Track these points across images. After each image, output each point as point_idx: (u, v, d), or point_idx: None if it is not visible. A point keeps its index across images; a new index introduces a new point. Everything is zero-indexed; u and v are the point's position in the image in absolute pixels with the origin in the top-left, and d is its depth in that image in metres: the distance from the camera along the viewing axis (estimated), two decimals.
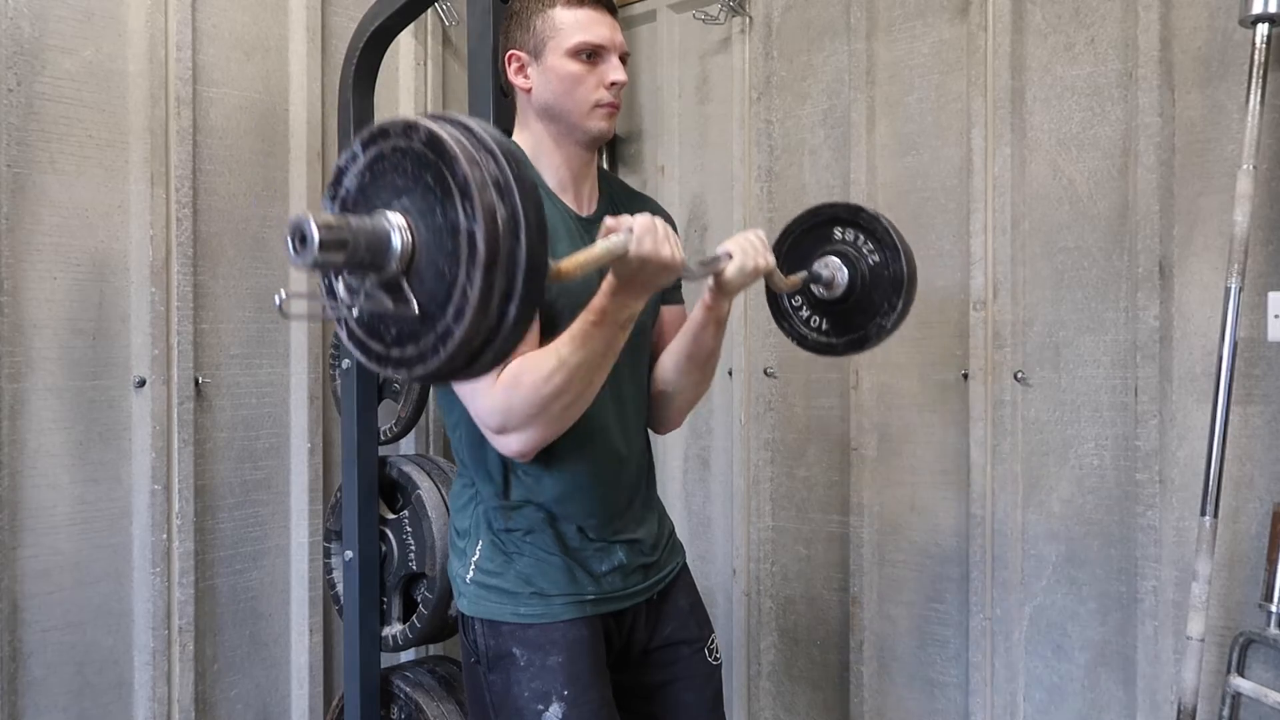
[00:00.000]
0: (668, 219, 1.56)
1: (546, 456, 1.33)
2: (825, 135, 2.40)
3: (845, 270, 1.52)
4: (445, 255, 0.78)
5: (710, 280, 1.34)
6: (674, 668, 1.47)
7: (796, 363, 2.44)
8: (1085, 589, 2.00)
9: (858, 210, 1.54)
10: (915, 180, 2.23)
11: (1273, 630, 1.72)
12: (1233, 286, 1.70)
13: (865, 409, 2.30)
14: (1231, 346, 1.70)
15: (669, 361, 1.47)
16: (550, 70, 1.35)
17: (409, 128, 0.81)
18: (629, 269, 1.11)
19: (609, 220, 1.12)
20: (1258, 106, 1.69)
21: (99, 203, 1.93)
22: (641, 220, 1.11)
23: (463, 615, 1.40)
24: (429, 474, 2.05)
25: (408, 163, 0.81)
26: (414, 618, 2.02)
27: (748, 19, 2.51)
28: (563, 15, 1.34)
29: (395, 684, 2.07)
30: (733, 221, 2.55)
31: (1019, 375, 2.07)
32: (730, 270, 1.31)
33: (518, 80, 1.38)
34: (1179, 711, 1.72)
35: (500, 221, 0.78)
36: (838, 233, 1.56)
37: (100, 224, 1.93)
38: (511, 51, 1.38)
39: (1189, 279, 1.87)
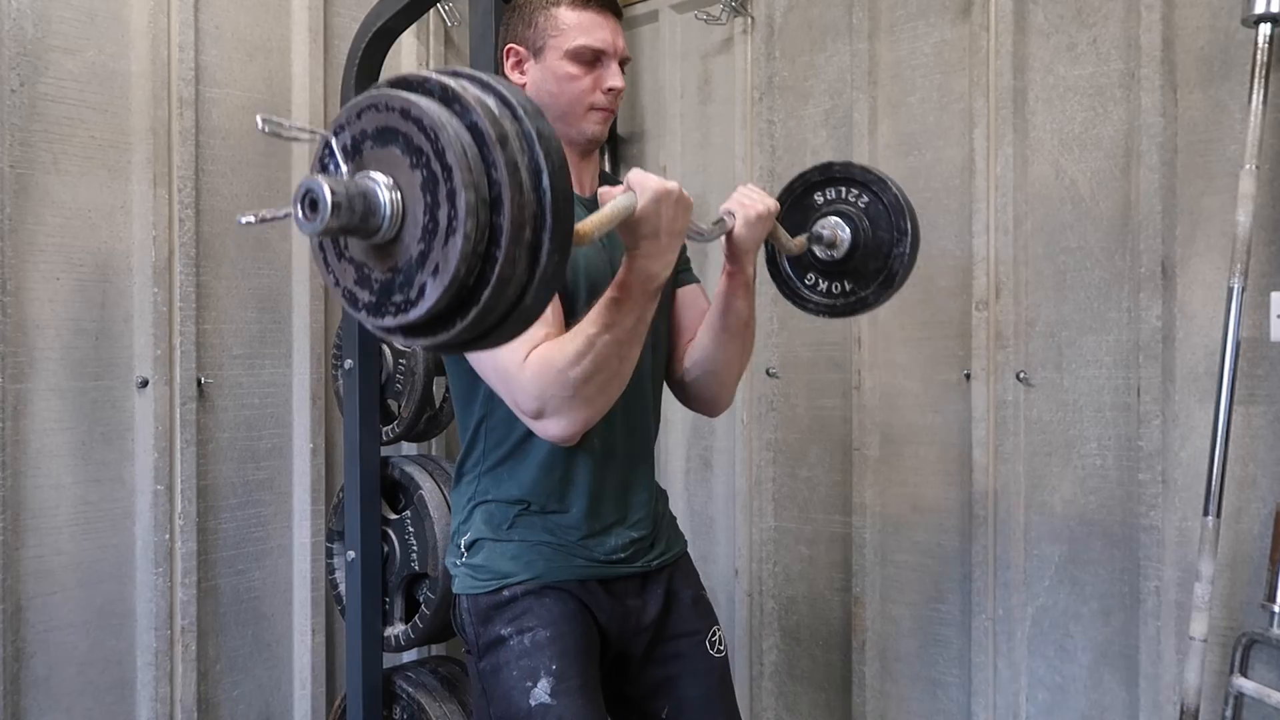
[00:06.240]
0: None
1: (531, 449, 1.34)
2: (827, 135, 2.39)
3: (844, 224, 1.51)
4: (461, 209, 0.72)
5: (724, 244, 1.34)
6: (675, 663, 1.46)
7: (799, 363, 2.44)
8: (1088, 589, 2.00)
9: (827, 167, 1.54)
10: (917, 180, 2.23)
11: (1276, 630, 1.71)
12: (1235, 286, 1.70)
13: (867, 409, 2.30)
14: (1234, 347, 1.70)
15: (706, 339, 1.44)
16: (548, 70, 1.35)
17: (422, 82, 0.78)
18: (642, 229, 1.10)
19: (603, 190, 1.14)
20: (1260, 106, 1.69)
21: (102, 203, 1.93)
22: (633, 175, 1.11)
23: (456, 604, 1.40)
24: (431, 474, 2.05)
25: (398, 130, 0.77)
26: (416, 618, 2.02)
27: (750, 19, 2.51)
28: (566, 15, 1.34)
29: (397, 684, 2.07)
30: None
31: (1021, 375, 2.07)
32: (739, 224, 1.31)
33: (514, 75, 1.38)
34: (1182, 712, 1.72)
35: (525, 175, 0.74)
36: (819, 197, 1.55)
37: (103, 224, 1.93)
38: (511, 45, 1.38)
39: (1191, 279, 1.86)
